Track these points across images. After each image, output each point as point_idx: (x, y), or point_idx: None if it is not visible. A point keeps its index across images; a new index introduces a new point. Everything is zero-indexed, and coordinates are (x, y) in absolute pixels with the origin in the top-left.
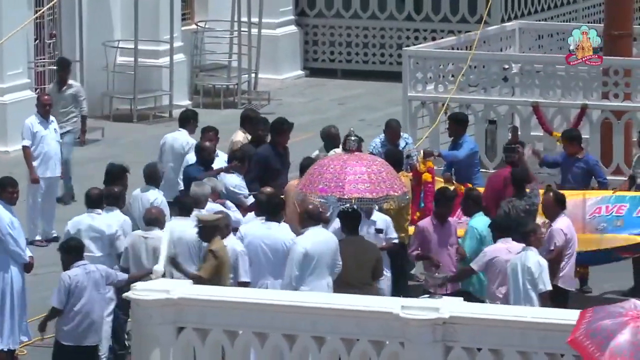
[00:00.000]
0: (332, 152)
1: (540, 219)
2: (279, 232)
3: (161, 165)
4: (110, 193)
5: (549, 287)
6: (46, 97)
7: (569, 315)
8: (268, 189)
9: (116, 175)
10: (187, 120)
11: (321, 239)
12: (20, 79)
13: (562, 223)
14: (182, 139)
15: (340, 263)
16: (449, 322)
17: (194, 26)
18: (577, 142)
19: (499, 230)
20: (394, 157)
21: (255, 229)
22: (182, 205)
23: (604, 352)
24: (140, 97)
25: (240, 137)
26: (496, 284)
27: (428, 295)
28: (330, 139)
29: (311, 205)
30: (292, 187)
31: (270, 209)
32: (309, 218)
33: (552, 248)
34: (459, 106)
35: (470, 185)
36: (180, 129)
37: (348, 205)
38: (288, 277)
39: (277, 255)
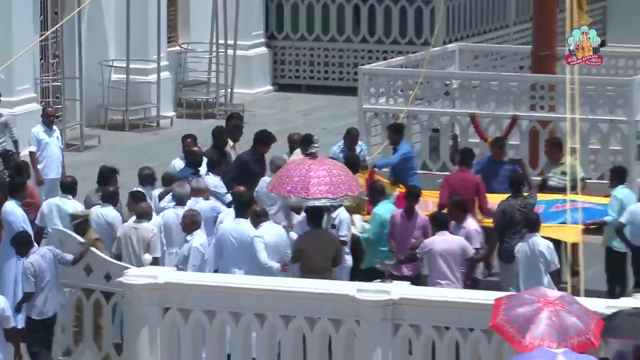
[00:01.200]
0: (294, 154)
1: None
2: (246, 227)
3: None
4: (106, 192)
5: (558, 266)
6: (50, 109)
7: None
8: (241, 188)
9: (107, 175)
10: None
11: (274, 232)
12: (28, 94)
13: (473, 224)
14: None
15: (289, 251)
16: (398, 303)
17: (178, 47)
18: (504, 149)
19: (437, 225)
20: (353, 161)
21: (226, 223)
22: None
23: (524, 335)
24: (131, 109)
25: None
26: (435, 274)
27: (380, 280)
28: (293, 143)
29: (258, 207)
30: None
31: (240, 207)
32: (257, 217)
33: (477, 247)
34: (407, 116)
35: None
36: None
37: (316, 203)
38: (262, 262)
39: (242, 247)
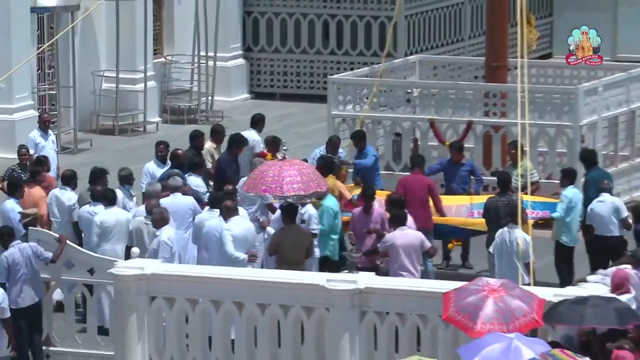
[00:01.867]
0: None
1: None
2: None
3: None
4: (94, 191)
5: (532, 258)
6: (45, 115)
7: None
8: (230, 187)
9: (98, 175)
10: (257, 122)
11: (242, 226)
12: (26, 101)
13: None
14: (251, 136)
15: (257, 243)
16: (365, 292)
17: (163, 59)
18: (462, 151)
19: (397, 222)
20: (327, 162)
21: (212, 221)
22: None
23: (475, 322)
24: (120, 115)
25: (209, 145)
26: (396, 266)
27: (347, 271)
28: (268, 144)
29: (229, 202)
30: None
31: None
32: (227, 211)
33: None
34: (371, 122)
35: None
36: (250, 128)
37: (290, 200)
38: (229, 253)
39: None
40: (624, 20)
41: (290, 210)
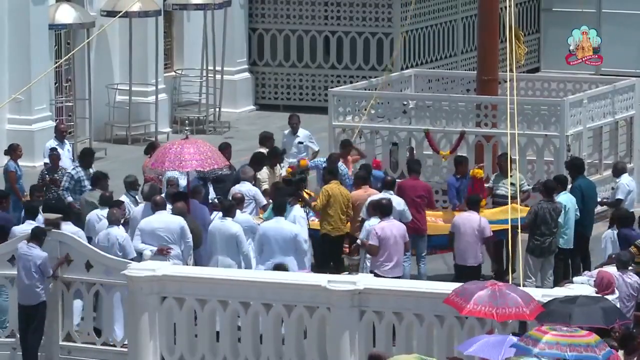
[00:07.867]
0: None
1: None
2: (286, 224)
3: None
4: (103, 197)
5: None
6: (62, 125)
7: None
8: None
9: (99, 179)
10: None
11: (162, 220)
12: (44, 113)
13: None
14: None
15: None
16: (364, 293)
17: (173, 73)
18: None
19: (379, 211)
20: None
21: (267, 223)
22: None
23: (469, 302)
24: (133, 125)
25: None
26: (386, 254)
27: (347, 273)
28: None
29: (158, 197)
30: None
31: (278, 208)
32: (156, 206)
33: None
34: (370, 132)
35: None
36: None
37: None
38: (136, 246)
39: (285, 241)
40: (607, 37)
41: (180, 197)
